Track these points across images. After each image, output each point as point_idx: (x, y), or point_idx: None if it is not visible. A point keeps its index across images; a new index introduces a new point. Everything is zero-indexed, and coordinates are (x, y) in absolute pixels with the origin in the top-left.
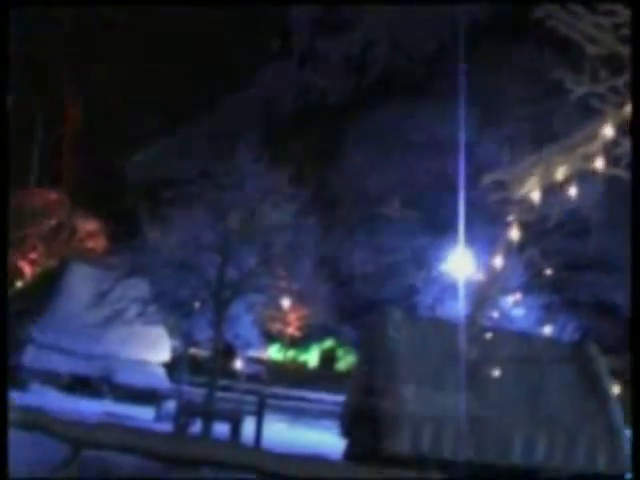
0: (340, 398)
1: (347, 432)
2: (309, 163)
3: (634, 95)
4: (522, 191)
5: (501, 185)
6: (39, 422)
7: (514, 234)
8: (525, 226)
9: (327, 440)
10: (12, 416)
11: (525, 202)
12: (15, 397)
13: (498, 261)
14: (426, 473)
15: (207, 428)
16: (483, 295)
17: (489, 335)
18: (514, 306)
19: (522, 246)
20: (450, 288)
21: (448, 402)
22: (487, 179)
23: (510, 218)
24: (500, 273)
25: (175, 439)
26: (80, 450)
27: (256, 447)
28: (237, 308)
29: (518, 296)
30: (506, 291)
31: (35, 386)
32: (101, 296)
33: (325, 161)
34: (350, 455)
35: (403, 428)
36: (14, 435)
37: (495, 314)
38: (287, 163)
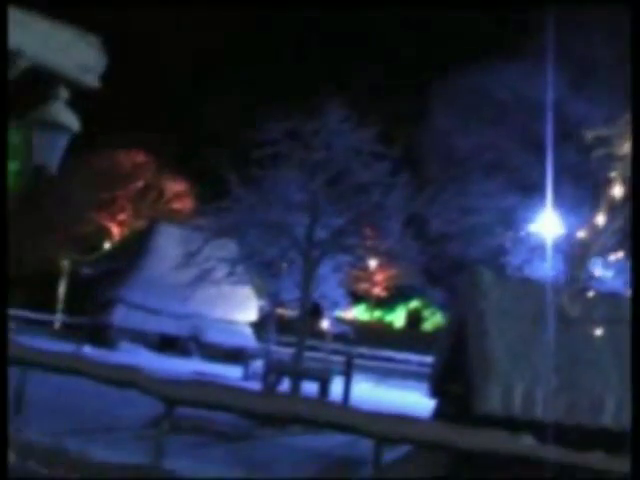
0: (426, 359)
1: (436, 392)
2: (397, 122)
3: (634, 95)
4: (625, 147)
5: (603, 141)
6: (133, 379)
7: (617, 191)
8: (625, 183)
9: (413, 400)
10: (107, 373)
11: (628, 158)
12: (106, 355)
13: (600, 219)
14: (517, 434)
15: (295, 387)
16: (585, 253)
17: (590, 294)
18: (605, 267)
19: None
20: (538, 249)
21: (539, 362)
22: (589, 134)
23: (612, 175)
24: (602, 231)
25: (266, 397)
26: (173, 407)
27: (346, 405)
28: (324, 268)
29: (620, 255)
30: (605, 250)
31: (124, 345)
32: (190, 256)
33: (413, 120)
34: (439, 415)
35: (494, 388)
36: (109, 392)
37: (597, 272)
38: (376, 122)
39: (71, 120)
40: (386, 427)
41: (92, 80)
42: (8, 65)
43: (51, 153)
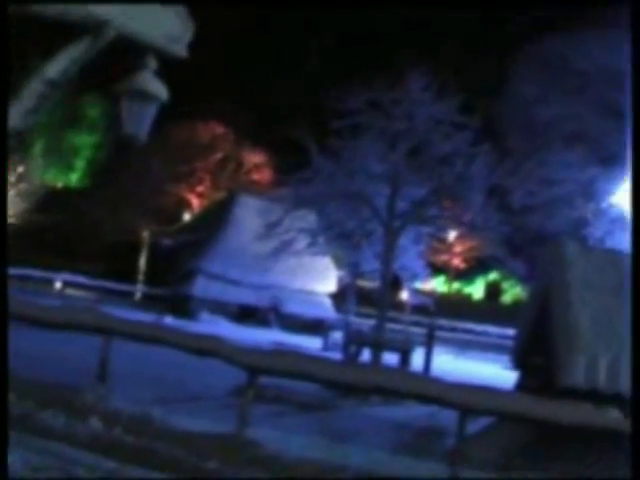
0: (505, 331)
1: (519, 364)
2: (478, 92)
3: (634, 95)
4: None
5: None
6: (216, 348)
7: None
8: None
9: (492, 372)
10: (190, 342)
11: None
12: (186, 325)
13: None
14: (601, 407)
15: (376, 357)
16: None
17: None
18: None
19: None
20: (619, 220)
21: (625, 335)
22: None
23: None
24: None
25: (349, 367)
26: (256, 376)
27: (429, 376)
28: (404, 239)
29: None
30: None
31: (204, 315)
32: (270, 227)
33: (494, 90)
34: (522, 387)
35: (578, 361)
36: (189, 361)
37: None
38: (456, 92)
39: (160, 89)
40: (471, 398)
41: (180, 50)
42: (97, 35)
43: (140, 122)
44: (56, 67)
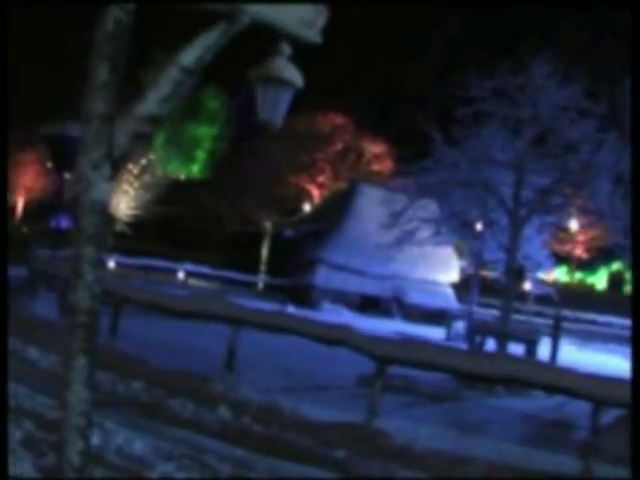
0: (629, 322)
1: None
2: (602, 78)
3: (634, 95)
4: None
5: None
6: (344, 337)
7: None
8: None
9: (616, 363)
10: (318, 331)
11: None
12: (310, 315)
13: None
14: None
15: (502, 348)
16: None
17: None
18: None
19: None
20: None
21: None
22: None
23: None
24: None
25: (480, 356)
26: (385, 366)
27: (560, 367)
28: (528, 229)
29: None
30: None
31: (326, 305)
32: (395, 217)
33: (617, 76)
34: None
35: None
36: (316, 349)
37: None
38: (582, 78)
39: (295, 75)
40: (604, 390)
41: (314, 35)
42: (231, 22)
43: (276, 109)
44: (191, 55)
